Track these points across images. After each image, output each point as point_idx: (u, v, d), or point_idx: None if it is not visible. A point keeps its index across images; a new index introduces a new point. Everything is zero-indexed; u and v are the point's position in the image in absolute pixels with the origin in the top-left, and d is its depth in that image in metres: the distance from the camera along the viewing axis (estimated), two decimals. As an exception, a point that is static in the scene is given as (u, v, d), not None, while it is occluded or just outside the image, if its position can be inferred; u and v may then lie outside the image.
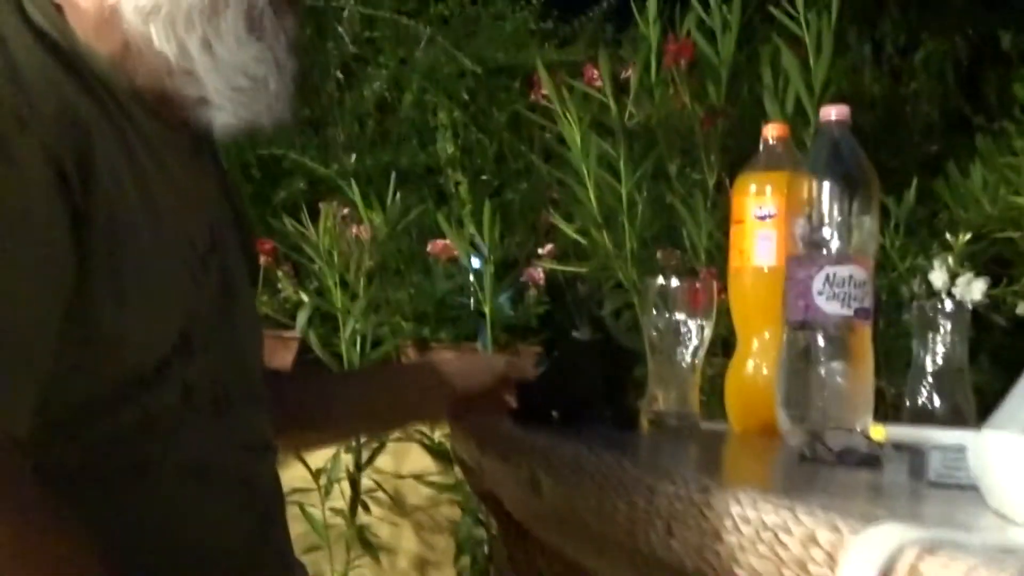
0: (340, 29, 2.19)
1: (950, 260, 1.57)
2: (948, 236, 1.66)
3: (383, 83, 2.17)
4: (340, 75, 2.19)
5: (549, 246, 2.01)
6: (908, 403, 0.86)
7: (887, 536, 0.34)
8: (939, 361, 0.86)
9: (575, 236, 1.79)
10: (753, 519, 0.42)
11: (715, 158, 1.77)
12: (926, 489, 0.52)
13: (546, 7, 2.31)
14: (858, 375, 0.74)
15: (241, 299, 0.78)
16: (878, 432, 0.58)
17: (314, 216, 1.79)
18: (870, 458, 0.60)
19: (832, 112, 0.77)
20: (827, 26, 1.73)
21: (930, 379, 0.86)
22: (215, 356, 0.71)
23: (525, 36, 2.26)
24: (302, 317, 1.76)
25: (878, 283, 1.82)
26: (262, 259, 1.92)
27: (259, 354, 0.80)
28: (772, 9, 1.77)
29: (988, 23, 2.51)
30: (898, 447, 0.57)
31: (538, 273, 1.99)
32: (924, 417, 0.84)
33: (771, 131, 0.91)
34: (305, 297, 1.84)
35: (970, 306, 0.91)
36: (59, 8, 0.68)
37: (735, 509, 0.42)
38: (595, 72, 1.70)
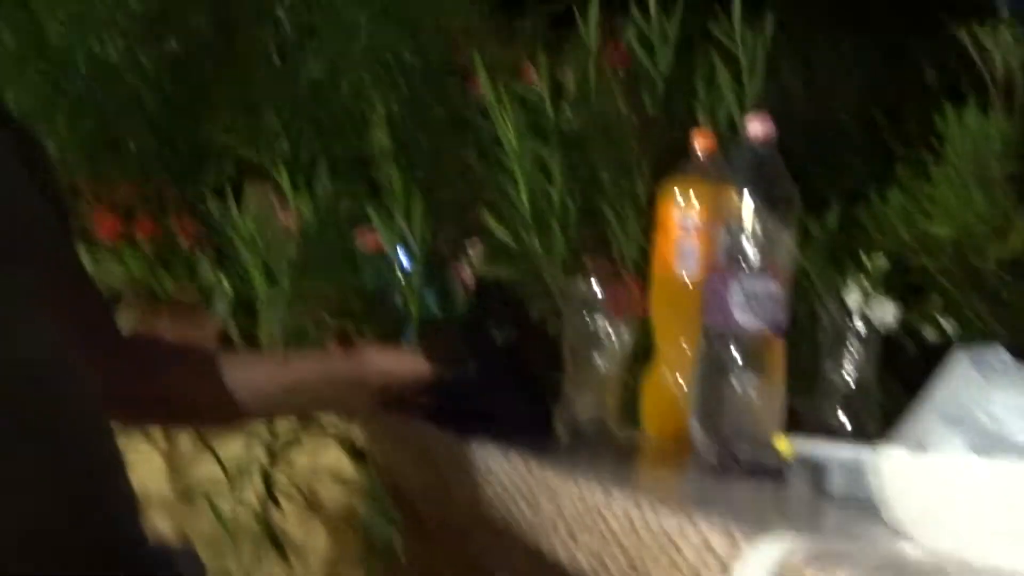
0: (279, 13, 2.15)
1: (865, 282, 1.62)
2: (864, 259, 1.70)
3: (320, 70, 2.13)
4: (277, 60, 2.14)
5: (478, 246, 2.01)
6: (816, 420, 0.88)
7: (778, 545, 0.34)
8: (847, 380, 0.88)
9: (505, 238, 1.79)
10: (653, 524, 0.41)
11: (647, 168, 1.79)
12: (827, 502, 0.53)
13: (492, 5, 2.30)
14: (770, 388, 0.75)
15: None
16: (784, 445, 0.59)
17: (241, 202, 1.75)
18: (776, 470, 0.60)
19: (758, 126, 0.78)
20: (762, 46, 1.77)
21: (838, 397, 0.88)
22: None
23: (469, 32, 2.25)
24: (221, 303, 1.72)
25: (795, 301, 1.88)
26: (184, 242, 1.87)
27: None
28: (711, 26, 1.80)
29: (913, 57, 2.59)
30: (803, 461, 0.58)
31: (466, 273, 1.97)
32: (831, 434, 0.86)
33: (699, 140, 0.92)
34: (227, 283, 1.80)
35: (882, 329, 0.93)
36: None
37: (635, 514, 0.42)
38: (534, 74, 1.71)
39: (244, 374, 0.88)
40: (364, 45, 2.15)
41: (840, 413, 0.87)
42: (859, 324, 0.92)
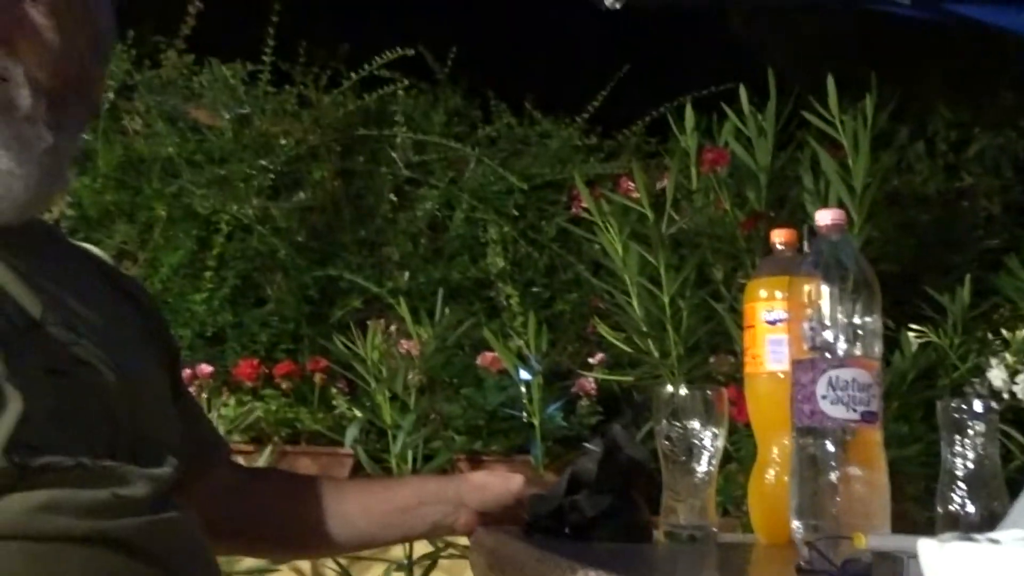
0: (393, 154, 2.30)
1: (1008, 357, 1.52)
2: (1005, 332, 1.60)
3: (434, 203, 2.26)
4: (394, 197, 2.29)
5: (600, 355, 2.02)
6: (940, 509, 0.82)
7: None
8: (969, 464, 0.82)
9: (621, 345, 1.80)
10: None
11: (759, 262, 1.77)
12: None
13: (590, 123, 2.39)
14: (869, 481, 0.72)
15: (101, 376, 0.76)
16: (860, 541, 0.56)
17: (366, 334, 1.84)
18: (868, 568, 0.58)
19: (827, 216, 0.78)
20: (863, 127, 1.74)
21: (961, 484, 0.82)
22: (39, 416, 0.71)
23: (570, 152, 2.33)
24: (351, 432, 1.79)
25: (940, 383, 1.77)
26: (317, 377, 1.98)
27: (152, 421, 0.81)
28: (806, 114, 1.79)
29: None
30: (882, 555, 0.55)
31: (589, 383, 1.99)
32: (956, 524, 0.80)
33: (778, 236, 0.91)
34: (358, 412, 1.88)
35: None
36: None
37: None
38: (631, 184, 1.75)
39: (352, 502, 0.92)
40: (473, 175, 2.27)
41: (965, 500, 0.82)
42: (975, 401, 0.87)
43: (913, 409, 1.57)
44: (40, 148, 0.77)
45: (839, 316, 0.75)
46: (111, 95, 2.16)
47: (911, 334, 1.66)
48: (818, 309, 0.76)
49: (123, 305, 0.88)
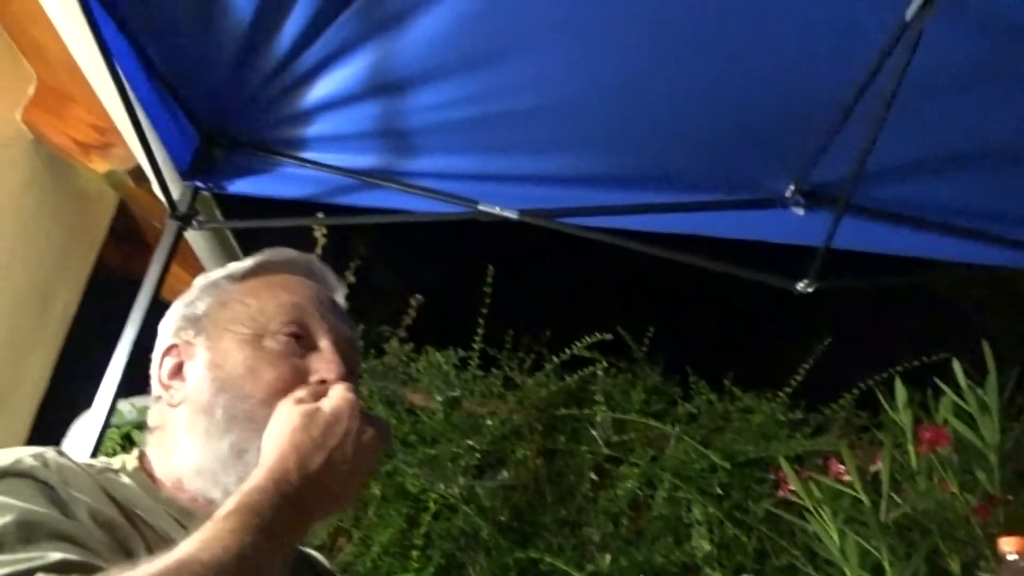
0: (594, 433, 2.34)
1: None
2: None
3: (635, 482, 2.23)
4: (594, 476, 2.29)
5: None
6: None
7: None
8: None
9: (846, 644, 1.62)
10: None
11: (996, 567, 1.58)
12: None
13: (794, 397, 2.33)
14: None
15: None
16: None
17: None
18: None
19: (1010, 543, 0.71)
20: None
21: None
22: None
23: (774, 428, 2.27)
24: None
25: None
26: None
27: None
28: (1033, 387, 1.67)
29: None
30: None
31: None
32: None
33: (1008, 545, 0.84)
34: None
35: None
36: (152, 476, 0.95)
37: None
38: (841, 465, 1.66)
39: None
40: (674, 453, 2.25)
41: None
42: None
43: None
44: None
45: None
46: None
47: None
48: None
49: None
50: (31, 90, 2.21)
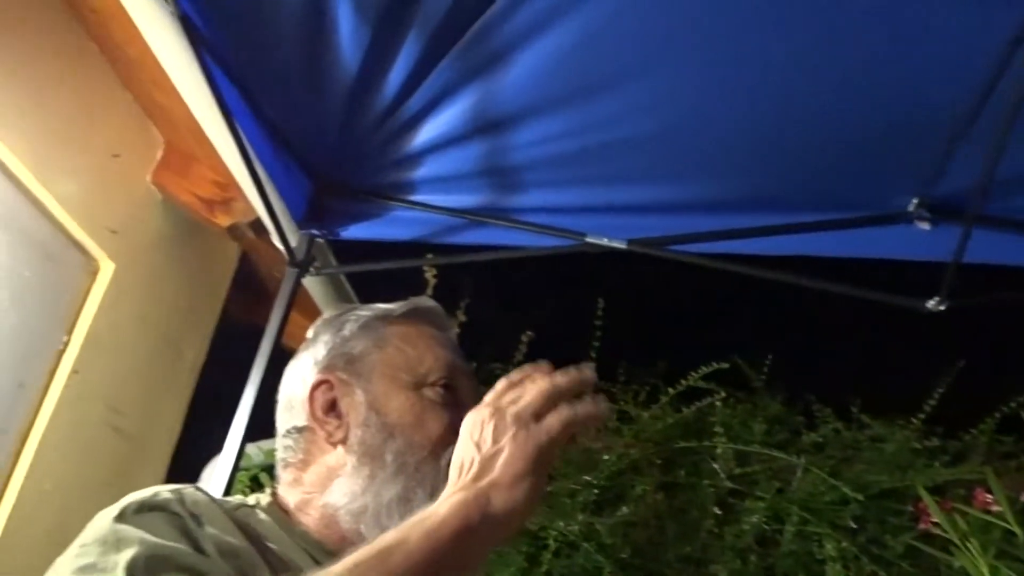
0: (715, 466, 2.27)
1: None
2: None
3: (761, 516, 2.15)
4: (718, 511, 2.22)
5: None
6: None
7: None
8: None
9: None
10: None
11: None
12: None
13: (929, 423, 2.20)
14: None
15: None
16: None
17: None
18: None
19: None
20: None
21: None
22: None
23: (909, 456, 2.15)
24: None
25: None
26: None
27: None
28: None
29: None
30: None
31: None
32: None
33: None
34: None
35: None
36: (286, 511, 0.94)
37: None
38: (989, 495, 1.55)
39: None
40: (801, 485, 2.15)
41: None
42: None
43: None
44: None
45: None
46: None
47: None
48: None
49: None
50: (159, 154, 2.35)
